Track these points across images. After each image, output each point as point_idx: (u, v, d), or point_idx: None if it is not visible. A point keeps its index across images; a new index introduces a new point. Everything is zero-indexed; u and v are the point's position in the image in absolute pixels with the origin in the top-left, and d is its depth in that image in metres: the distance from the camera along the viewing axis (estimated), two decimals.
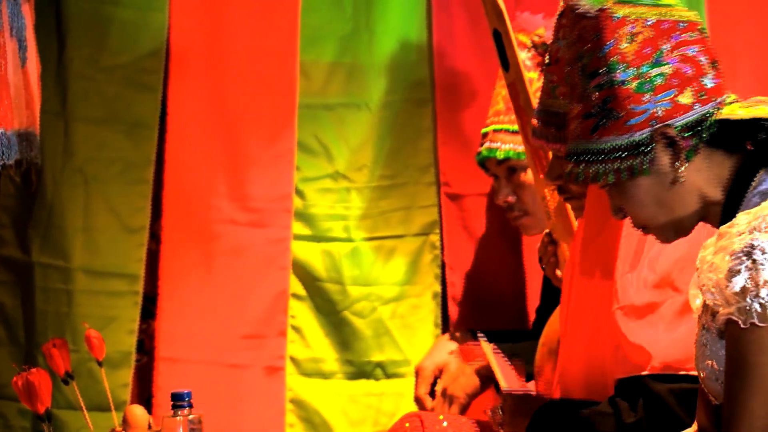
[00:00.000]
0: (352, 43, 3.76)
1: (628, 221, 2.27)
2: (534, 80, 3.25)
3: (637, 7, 1.90)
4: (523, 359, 2.97)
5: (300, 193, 3.74)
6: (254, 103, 3.71)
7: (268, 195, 3.71)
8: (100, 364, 2.74)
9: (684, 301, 2.23)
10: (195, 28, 3.70)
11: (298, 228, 3.73)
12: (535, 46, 3.32)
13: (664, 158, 1.87)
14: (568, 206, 2.77)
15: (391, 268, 3.75)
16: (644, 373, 2.25)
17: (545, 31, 3.34)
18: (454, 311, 3.76)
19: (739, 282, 1.70)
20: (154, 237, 3.70)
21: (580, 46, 1.91)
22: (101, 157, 3.68)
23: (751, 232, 1.72)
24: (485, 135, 3.44)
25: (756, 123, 1.87)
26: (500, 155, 3.38)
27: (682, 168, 1.86)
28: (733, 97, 1.91)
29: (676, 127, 1.86)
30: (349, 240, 3.73)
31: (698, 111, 1.87)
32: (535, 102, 2.67)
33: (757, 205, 1.80)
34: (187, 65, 3.69)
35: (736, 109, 1.88)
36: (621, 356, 2.28)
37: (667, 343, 2.24)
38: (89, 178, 3.68)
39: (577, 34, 1.92)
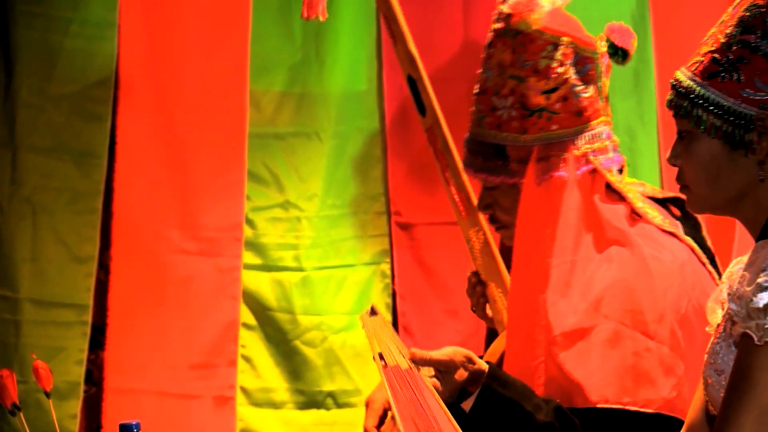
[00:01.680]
0: (302, 72, 3.77)
1: (558, 250, 2.28)
2: None
3: None
4: None
5: (250, 223, 3.73)
6: (204, 132, 3.71)
7: (219, 224, 3.70)
8: (47, 395, 2.71)
9: (615, 329, 2.25)
10: (144, 58, 3.69)
11: (249, 257, 3.72)
12: None
13: (757, 146, 1.80)
14: (494, 247, 2.77)
15: (342, 297, 3.75)
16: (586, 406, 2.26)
17: None
18: (405, 341, 3.76)
19: (764, 299, 1.71)
20: (103, 267, 3.68)
21: (754, 1, 1.86)
22: (49, 187, 3.66)
23: None
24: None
25: None
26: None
27: (765, 163, 1.81)
28: None
29: None
30: (300, 269, 3.73)
31: None
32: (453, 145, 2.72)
33: None
34: (136, 94, 3.68)
35: None
36: (556, 388, 2.28)
37: (602, 375, 2.25)
38: (37, 207, 3.65)
39: (522, 49, 1.88)
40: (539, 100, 2.38)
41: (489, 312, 2.84)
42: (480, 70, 2.46)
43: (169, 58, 3.70)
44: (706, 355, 1.83)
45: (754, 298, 1.72)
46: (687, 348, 2.25)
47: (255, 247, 3.74)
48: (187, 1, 3.72)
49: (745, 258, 1.80)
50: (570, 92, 2.39)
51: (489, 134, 2.43)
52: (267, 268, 3.73)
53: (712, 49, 1.88)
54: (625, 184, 2.44)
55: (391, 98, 3.78)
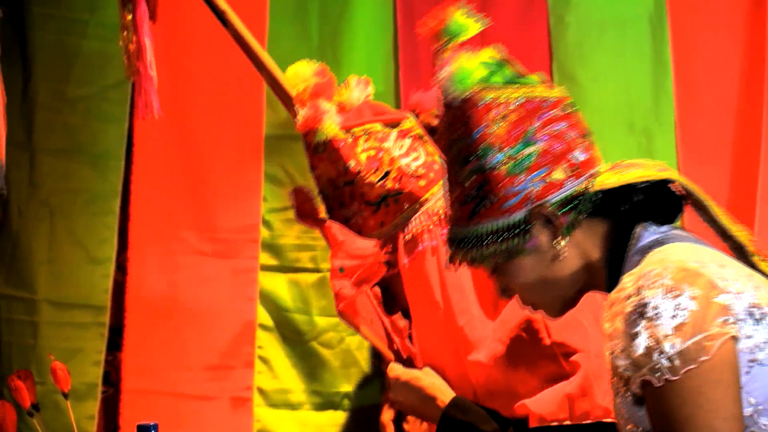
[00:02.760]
0: None
1: (459, 311, 2.35)
2: None
3: (502, 90, 1.89)
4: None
5: (267, 224, 3.73)
6: (221, 133, 3.71)
7: (235, 226, 3.71)
8: (65, 396, 2.72)
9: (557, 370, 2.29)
10: (161, 59, 3.69)
11: (265, 258, 3.72)
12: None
13: (542, 236, 1.87)
14: None
15: None
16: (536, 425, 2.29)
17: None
18: None
19: (641, 343, 1.71)
20: (120, 268, 3.69)
21: (452, 134, 1.91)
22: (67, 189, 3.67)
23: (638, 292, 1.73)
24: None
25: (629, 188, 1.89)
26: None
27: (562, 244, 1.87)
28: (606, 165, 1.91)
29: (552, 205, 1.86)
30: (317, 270, 3.73)
31: (572, 186, 1.87)
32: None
33: (638, 263, 1.81)
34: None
35: (608, 178, 1.88)
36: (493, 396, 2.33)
37: (541, 395, 2.28)
38: (54, 209, 3.66)
39: (448, 122, 1.92)
40: (378, 190, 2.39)
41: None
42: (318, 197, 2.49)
43: (186, 61, 3.70)
44: (615, 415, 1.83)
45: (632, 347, 1.72)
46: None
47: (272, 248, 3.74)
48: (204, 3, 3.71)
49: (605, 312, 1.80)
50: (402, 169, 2.40)
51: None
52: (284, 269, 3.74)
53: (455, 196, 1.92)
54: None
55: (408, 99, 3.78)
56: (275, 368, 3.71)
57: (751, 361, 1.71)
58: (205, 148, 3.71)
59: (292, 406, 3.71)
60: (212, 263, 3.69)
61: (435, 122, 3.25)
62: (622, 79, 3.75)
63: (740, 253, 1.89)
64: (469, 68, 1.90)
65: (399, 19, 3.76)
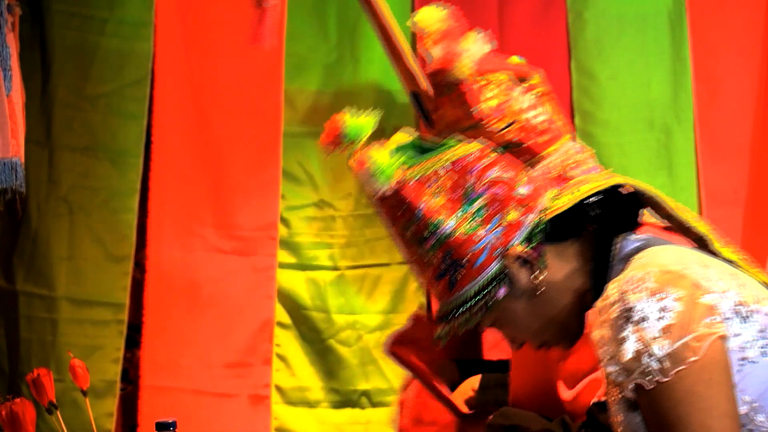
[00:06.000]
0: (336, 71, 3.77)
1: None
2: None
3: (425, 163, 1.92)
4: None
5: (285, 222, 3.74)
6: (239, 131, 3.71)
7: (254, 223, 3.71)
8: (84, 393, 2.73)
9: None
10: (179, 57, 3.71)
11: (283, 256, 3.73)
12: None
13: (522, 277, 1.89)
14: None
15: (377, 296, 3.75)
16: (594, 400, 2.28)
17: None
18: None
19: (630, 348, 1.71)
20: (139, 266, 3.69)
21: (398, 223, 1.94)
22: (86, 186, 3.68)
23: (623, 297, 1.74)
24: None
25: (582, 205, 1.90)
26: None
27: (541, 277, 1.88)
28: (554, 191, 1.93)
29: (520, 244, 1.88)
30: (335, 268, 3.74)
31: (528, 221, 1.89)
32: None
33: (622, 271, 1.82)
34: (172, 94, 3.69)
35: (560, 202, 1.90)
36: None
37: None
38: (74, 206, 3.67)
39: (390, 215, 1.95)
40: (499, 139, 2.39)
41: None
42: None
43: (204, 58, 3.71)
44: (612, 423, 1.83)
45: (622, 352, 1.72)
46: None
47: (290, 246, 3.74)
48: (223, 1, 3.72)
49: (594, 321, 1.81)
50: (526, 121, 2.40)
51: None
52: (302, 267, 3.74)
53: (428, 275, 1.94)
54: None
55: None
56: (293, 366, 3.71)
57: (742, 359, 1.72)
58: (224, 146, 3.71)
59: (310, 404, 3.71)
60: (231, 260, 3.69)
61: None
62: (641, 76, 3.74)
63: (702, 243, 1.90)
64: (384, 160, 1.94)
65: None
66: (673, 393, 1.69)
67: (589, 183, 1.92)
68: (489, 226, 1.88)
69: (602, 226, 1.91)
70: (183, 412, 3.45)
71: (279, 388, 3.70)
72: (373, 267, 3.76)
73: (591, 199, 1.91)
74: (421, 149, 1.96)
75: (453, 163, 1.92)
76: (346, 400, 3.73)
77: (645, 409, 1.73)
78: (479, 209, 1.89)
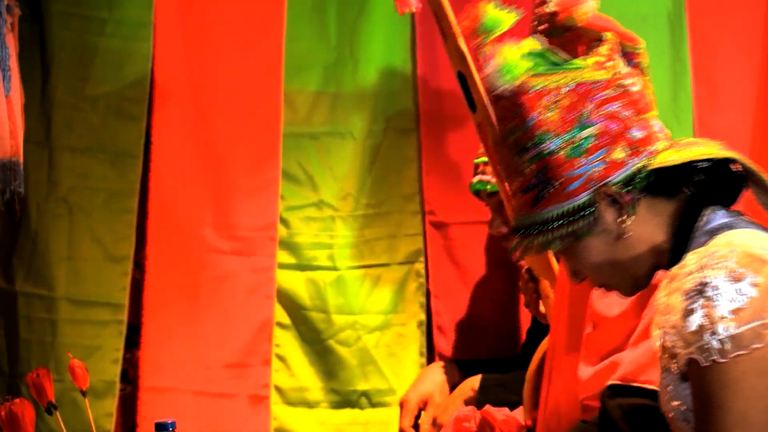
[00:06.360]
0: (336, 72, 3.77)
1: None
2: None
3: (551, 76, 1.91)
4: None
5: (285, 222, 3.74)
6: (239, 131, 3.71)
7: (253, 224, 3.71)
8: (83, 393, 2.73)
9: (649, 323, 2.25)
10: (179, 58, 3.71)
11: (283, 256, 3.73)
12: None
13: (608, 216, 1.88)
14: None
15: (376, 296, 3.75)
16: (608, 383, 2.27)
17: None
18: (439, 340, 3.76)
19: (695, 321, 1.71)
20: (139, 266, 3.69)
21: (506, 125, 1.93)
22: (85, 187, 3.68)
23: (701, 270, 1.74)
24: (477, 166, 3.44)
25: (689, 166, 1.90)
26: (490, 188, 3.36)
27: (627, 222, 1.88)
28: (665, 143, 1.93)
29: (615, 184, 1.88)
30: (334, 268, 3.73)
31: (632, 164, 1.89)
32: None
33: (704, 244, 1.82)
34: (172, 94, 3.69)
35: (669, 155, 1.90)
36: (588, 373, 2.30)
37: (631, 358, 2.26)
38: (73, 207, 3.67)
39: (501, 114, 1.94)
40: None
41: (542, 308, 2.85)
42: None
43: (204, 58, 3.71)
44: (659, 390, 1.83)
45: (686, 324, 1.73)
46: None
47: (289, 246, 3.74)
48: (223, 1, 3.72)
49: (663, 285, 1.80)
50: (620, 86, 2.38)
51: None
52: (301, 267, 3.74)
53: (517, 186, 1.94)
54: None
55: (426, 98, 3.78)
56: (292, 366, 3.71)
57: None
58: (223, 146, 3.71)
59: (309, 405, 3.71)
60: (230, 261, 3.69)
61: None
62: None
63: None
64: (514, 59, 1.92)
65: (417, 16, 3.76)
66: (724, 376, 1.69)
67: (702, 147, 1.91)
68: (592, 157, 1.88)
69: (699, 194, 1.90)
70: (182, 412, 3.45)
71: (278, 389, 3.70)
72: (372, 267, 3.76)
73: (701, 164, 1.89)
74: (550, 62, 1.93)
75: (578, 84, 1.91)
76: (345, 400, 3.73)
77: (693, 384, 1.74)
78: (588, 137, 1.88)
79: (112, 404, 3.59)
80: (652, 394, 2.21)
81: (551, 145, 1.88)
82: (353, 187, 3.76)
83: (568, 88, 1.90)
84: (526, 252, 1.94)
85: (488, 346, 3.74)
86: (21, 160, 3.00)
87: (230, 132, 3.71)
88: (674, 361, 1.76)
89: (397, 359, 3.73)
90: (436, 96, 3.77)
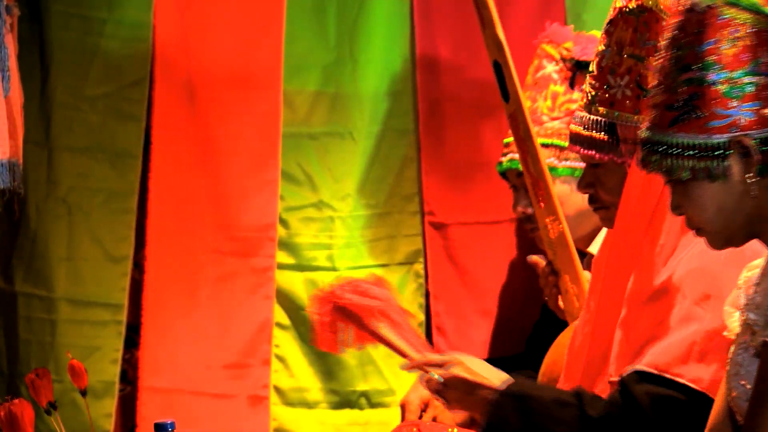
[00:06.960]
0: (335, 72, 3.77)
1: (666, 230, 2.29)
2: (560, 94, 3.28)
3: (744, 11, 1.86)
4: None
5: (284, 222, 3.74)
6: (238, 132, 3.71)
7: (253, 224, 3.71)
8: (83, 394, 2.73)
9: (689, 310, 2.24)
10: (179, 58, 3.70)
11: (282, 257, 3.73)
12: (563, 59, 3.34)
13: (735, 168, 1.84)
14: (569, 236, 2.76)
15: None
16: (628, 368, 2.25)
17: (573, 46, 3.35)
18: (438, 340, 3.75)
19: None
20: (138, 266, 3.69)
21: (680, 37, 1.88)
22: (85, 187, 3.68)
23: None
24: (507, 145, 3.41)
25: None
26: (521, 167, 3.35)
27: (752, 180, 1.83)
28: None
29: (755, 139, 1.83)
30: (333, 269, 3.73)
31: None
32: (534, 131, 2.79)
33: None
34: (171, 94, 3.69)
35: None
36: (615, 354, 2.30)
37: (663, 346, 2.24)
38: (73, 207, 3.67)
39: (681, 24, 1.89)
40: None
41: (560, 303, 2.84)
42: (600, 49, 2.44)
43: (203, 59, 3.71)
44: (728, 366, 1.82)
45: None
46: None
47: (289, 246, 3.74)
48: (222, 1, 3.72)
49: (758, 262, 1.79)
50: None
51: (600, 112, 2.41)
52: (300, 267, 3.74)
53: (662, 99, 1.89)
54: None
55: (425, 98, 3.78)
56: (292, 367, 3.71)
57: None
58: (223, 147, 3.71)
59: (309, 405, 3.71)
60: (230, 261, 3.69)
61: (565, 54, 3.28)
62: None
63: None
64: None
65: (416, 17, 3.76)
66: None
67: None
68: (746, 104, 1.84)
69: None
70: (181, 412, 3.45)
71: (278, 389, 3.70)
72: (372, 268, 3.75)
73: None
74: (750, 1, 1.88)
75: (764, 31, 1.86)
76: (344, 400, 3.73)
77: (761, 365, 1.72)
78: (750, 84, 1.84)
79: (111, 404, 3.59)
80: (682, 388, 2.21)
81: (714, 76, 1.84)
82: (353, 187, 3.76)
83: (754, 30, 1.85)
84: (653, 168, 1.89)
85: (488, 347, 3.75)
86: (20, 160, 3.00)
87: (230, 132, 3.71)
88: (752, 338, 1.74)
89: (396, 360, 3.71)
90: (436, 97, 3.77)
